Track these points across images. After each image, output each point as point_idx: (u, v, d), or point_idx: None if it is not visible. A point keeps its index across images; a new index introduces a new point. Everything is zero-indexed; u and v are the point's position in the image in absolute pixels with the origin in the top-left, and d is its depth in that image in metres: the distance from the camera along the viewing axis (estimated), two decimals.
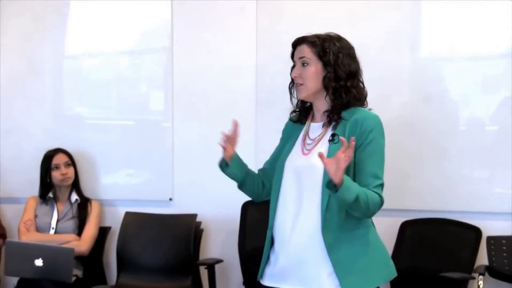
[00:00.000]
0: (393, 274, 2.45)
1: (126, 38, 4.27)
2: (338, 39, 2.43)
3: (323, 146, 2.33)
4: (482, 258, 3.64)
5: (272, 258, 2.42)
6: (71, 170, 4.06)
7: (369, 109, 2.43)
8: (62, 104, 4.40)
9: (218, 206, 4.09)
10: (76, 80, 4.38)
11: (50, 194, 4.05)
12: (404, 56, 3.85)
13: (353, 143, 2.16)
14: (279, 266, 2.38)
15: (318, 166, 2.26)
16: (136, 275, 3.97)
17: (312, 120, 2.46)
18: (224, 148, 2.50)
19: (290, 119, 2.54)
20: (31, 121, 4.37)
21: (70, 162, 4.06)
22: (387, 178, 3.74)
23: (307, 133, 2.43)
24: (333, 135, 2.33)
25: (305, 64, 2.38)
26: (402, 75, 3.85)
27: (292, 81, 2.46)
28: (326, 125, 2.38)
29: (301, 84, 2.39)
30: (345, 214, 2.28)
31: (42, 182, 4.06)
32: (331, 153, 2.26)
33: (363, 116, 2.33)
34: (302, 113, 2.50)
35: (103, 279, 4.11)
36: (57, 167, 4.02)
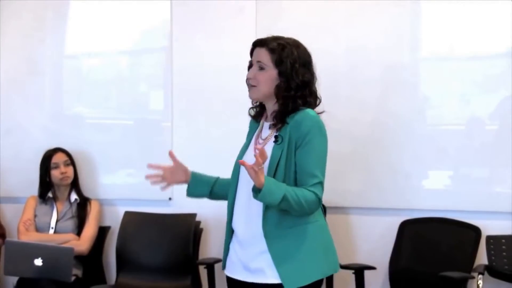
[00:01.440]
0: (334, 269, 2.51)
1: (125, 38, 4.27)
2: (297, 46, 2.48)
3: (269, 147, 2.41)
4: (482, 258, 3.64)
5: (231, 250, 2.53)
6: (70, 170, 4.06)
7: (319, 110, 2.49)
8: (61, 104, 4.41)
9: (217, 206, 4.04)
10: (75, 79, 4.38)
11: (50, 194, 4.06)
12: (404, 56, 3.85)
13: (265, 155, 2.22)
14: (234, 258, 2.50)
15: (264, 166, 2.31)
16: (136, 274, 3.97)
17: (266, 119, 2.54)
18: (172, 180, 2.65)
19: (249, 114, 2.64)
20: (31, 120, 4.38)
21: (69, 162, 4.06)
22: (386, 178, 3.81)
23: (260, 132, 2.53)
24: (276, 137, 2.41)
25: (262, 68, 2.46)
26: (401, 74, 3.84)
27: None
28: (272, 127, 2.46)
29: (254, 86, 2.48)
30: (283, 212, 2.35)
31: (41, 182, 4.06)
32: (273, 154, 2.37)
33: (301, 117, 2.39)
34: (257, 110, 2.60)
35: (102, 279, 4.12)
36: (56, 166, 4.02)
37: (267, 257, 2.37)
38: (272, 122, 2.46)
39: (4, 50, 4.39)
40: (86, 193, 4.14)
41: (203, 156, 4.06)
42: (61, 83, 4.40)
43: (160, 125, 4.27)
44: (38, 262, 3.45)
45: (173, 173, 2.66)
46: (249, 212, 2.43)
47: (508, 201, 3.64)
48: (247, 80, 2.51)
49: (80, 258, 3.90)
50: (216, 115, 4.07)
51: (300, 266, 2.37)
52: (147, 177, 2.64)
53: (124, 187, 4.29)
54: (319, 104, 2.50)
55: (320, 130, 2.39)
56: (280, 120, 2.42)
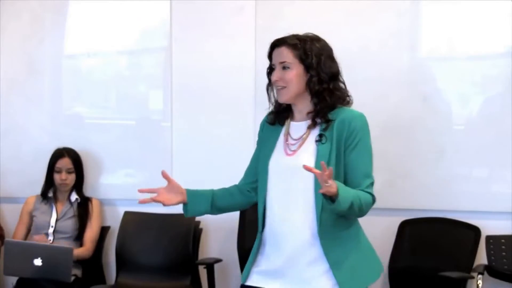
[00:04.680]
0: (382, 269, 2.47)
1: (125, 38, 4.27)
2: (318, 40, 2.41)
3: (310, 147, 2.33)
4: (481, 258, 3.65)
5: (261, 259, 2.41)
6: (71, 177, 4.04)
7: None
8: (61, 104, 4.40)
9: None
10: (75, 79, 4.38)
11: (50, 194, 4.05)
12: (403, 56, 3.85)
13: (331, 168, 2.12)
14: (270, 267, 2.37)
15: (311, 164, 2.26)
16: (135, 274, 3.97)
17: (292, 119, 2.44)
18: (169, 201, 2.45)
19: (267, 121, 2.51)
20: (31, 121, 4.37)
21: (72, 170, 4.04)
22: (386, 178, 3.81)
23: (288, 133, 2.41)
24: (320, 136, 2.32)
25: (286, 68, 2.35)
26: (401, 74, 3.84)
27: (269, 82, 2.43)
28: (311, 126, 2.36)
29: (283, 87, 2.36)
30: (337, 215, 2.29)
31: (46, 179, 4.06)
32: (319, 153, 2.28)
33: (350, 116, 2.33)
34: (279, 114, 2.46)
35: (102, 279, 4.11)
36: (59, 171, 4.02)
37: (320, 265, 2.28)
38: (309, 122, 2.36)
39: (4, 50, 4.38)
40: (86, 193, 4.14)
41: (203, 156, 4.06)
42: (61, 83, 4.40)
43: (159, 125, 4.26)
44: (38, 262, 3.44)
45: (169, 193, 2.48)
46: (289, 220, 2.30)
47: (508, 201, 3.64)
48: (273, 83, 2.38)
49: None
50: (216, 115, 4.06)
51: (357, 270, 2.30)
52: (140, 202, 2.44)
53: (123, 187, 4.29)
54: (352, 102, 2.43)
55: (368, 129, 2.36)
56: (323, 118, 2.33)
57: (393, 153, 3.82)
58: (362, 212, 2.28)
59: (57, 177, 4.02)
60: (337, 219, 2.28)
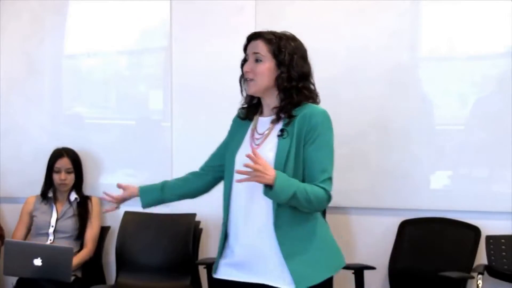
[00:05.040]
0: (342, 263, 2.49)
1: (125, 38, 4.27)
2: (294, 39, 2.45)
3: (272, 141, 2.37)
4: (481, 258, 3.64)
5: (227, 252, 2.48)
6: (70, 177, 4.05)
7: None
8: (61, 104, 4.41)
9: (217, 206, 4.05)
10: (75, 79, 4.38)
11: (50, 194, 4.06)
12: (403, 56, 3.85)
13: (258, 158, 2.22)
14: (234, 260, 2.43)
15: (266, 159, 2.30)
16: (135, 274, 3.97)
17: (260, 114, 2.49)
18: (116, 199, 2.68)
19: (238, 116, 2.57)
20: (31, 121, 4.38)
21: (71, 170, 4.05)
22: (386, 178, 3.81)
23: (255, 128, 2.47)
24: (281, 130, 2.37)
25: (259, 60, 2.40)
26: (401, 74, 3.84)
27: (243, 74, 2.47)
28: (274, 121, 2.41)
29: (252, 80, 2.41)
30: (295, 209, 2.32)
31: (45, 179, 4.06)
32: (279, 148, 2.33)
33: (311, 111, 2.36)
34: (250, 109, 2.52)
35: (102, 279, 4.11)
36: (58, 171, 4.02)
37: (276, 258, 2.32)
38: (273, 117, 2.41)
39: (4, 50, 4.39)
40: (86, 193, 4.14)
41: (203, 156, 4.03)
42: (61, 83, 4.41)
43: (159, 125, 4.26)
44: (38, 262, 3.44)
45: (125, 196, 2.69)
46: (251, 211, 2.37)
47: (508, 201, 3.64)
48: (244, 74, 2.44)
49: None
50: (216, 115, 4.05)
51: (311, 264, 2.33)
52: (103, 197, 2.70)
53: None
54: (319, 102, 2.46)
55: (329, 125, 2.37)
56: (286, 114, 2.37)
57: (393, 153, 3.83)
58: (312, 205, 2.29)
59: (56, 177, 4.02)
60: (293, 212, 2.32)
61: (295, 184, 2.26)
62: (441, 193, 3.79)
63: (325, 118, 2.36)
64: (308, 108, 2.37)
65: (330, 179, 2.34)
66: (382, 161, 3.83)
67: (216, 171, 2.62)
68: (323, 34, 3.88)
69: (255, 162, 2.22)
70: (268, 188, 2.24)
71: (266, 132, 2.41)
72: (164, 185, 2.68)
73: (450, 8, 3.74)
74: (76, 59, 4.42)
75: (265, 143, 2.39)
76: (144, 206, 2.69)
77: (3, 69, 4.39)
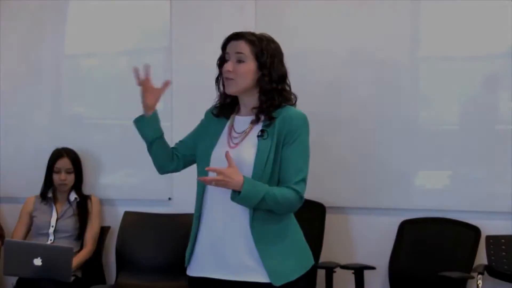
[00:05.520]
0: (311, 263, 2.50)
1: (125, 38, 4.27)
2: (273, 41, 2.47)
3: (251, 141, 2.38)
4: (481, 258, 3.65)
5: (198, 249, 2.45)
6: (70, 177, 4.04)
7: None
8: (61, 104, 4.41)
9: None
10: (75, 80, 4.38)
11: (50, 194, 4.05)
12: (403, 56, 3.85)
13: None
14: (209, 258, 2.41)
15: (247, 159, 2.32)
16: (135, 274, 3.97)
17: (237, 113, 2.50)
18: (144, 93, 2.68)
19: (211, 112, 2.57)
20: (31, 121, 4.38)
21: (71, 170, 4.05)
22: (386, 178, 3.81)
23: (232, 126, 2.48)
24: (262, 131, 2.38)
25: (241, 61, 2.41)
26: (401, 74, 3.85)
27: (220, 73, 2.49)
28: (254, 121, 2.42)
29: (232, 79, 2.42)
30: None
31: (45, 179, 4.06)
32: (260, 148, 2.34)
33: (291, 114, 2.38)
34: (225, 107, 2.52)
35: (102, 279, 4.11)
36: (58, 171, 4.02)
37: (253, 254, 2.34)
38: (253, 117, 2.42)
39: (4, 50, 4.39)
40: (86, 193, 4.14)
41: None
42: (61, 83, 4.40)
43: None
44: (38, 262, 3.44)
45: (152, 94, 2.72)
46: (230, 208, 2.35)
47: (507, 201, 3.64)
48: (224, 73, 2.44)
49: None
50: None
51: (285, 262, 2.36)
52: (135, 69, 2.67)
53: (123, 187, 4.29)
54: (295, 102, 2.48)
55: (308, 129, 2.40)
56: (267, 115, 2.39)
57: (393, 153, 3.83)
58: (281, 206, 2.32)
59: (56, 177, 4.02)
60: (267, 213, 2.34)
61: (263, 189, 2.28)
62: (441, 193, 3.80)
63: (305, 122, 2.40)
64: (288, 111, 2.40)
65: (303, 180, 2.36)
66: (382, 161, 3.83)
67: (188, 161, 2.65)
68: (323, 34, 3.89)
69: (228, 164, 2.25)
70: (236, 193, 2.26)
71: (245, 131, 2.42)
72: (162, 136, 2.70)
73: (450, 8, 3.74)
74: (76, 59, 4.42)
75: (244, 142, 2.40)
76: (138, 126, 2.77)
77: (3, 69, 4.39)
